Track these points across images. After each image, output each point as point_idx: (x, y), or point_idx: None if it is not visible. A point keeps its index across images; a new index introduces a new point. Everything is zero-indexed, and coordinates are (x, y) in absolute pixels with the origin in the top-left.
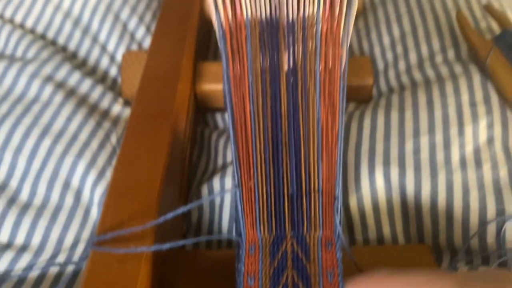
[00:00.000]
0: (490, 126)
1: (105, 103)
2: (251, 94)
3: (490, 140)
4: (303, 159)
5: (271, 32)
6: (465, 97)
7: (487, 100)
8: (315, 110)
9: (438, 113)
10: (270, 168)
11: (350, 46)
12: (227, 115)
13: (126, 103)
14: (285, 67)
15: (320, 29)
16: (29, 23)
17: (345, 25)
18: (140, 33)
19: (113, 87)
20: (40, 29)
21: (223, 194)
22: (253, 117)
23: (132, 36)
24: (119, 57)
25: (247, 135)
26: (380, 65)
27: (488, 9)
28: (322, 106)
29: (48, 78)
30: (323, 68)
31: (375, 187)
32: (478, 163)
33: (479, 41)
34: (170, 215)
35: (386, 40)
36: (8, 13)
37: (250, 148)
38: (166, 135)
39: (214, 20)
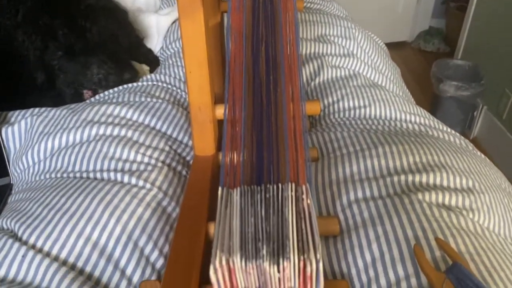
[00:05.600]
0: None
1: None
2: None
3: None
4: None
5: None
6: None
7: None
8: None
9: None
10: None
11: (331, 265)
12: None
13: None
14: None
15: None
16: (63, 255)
17: None
18: (154, 256)
19: None
20: (71, 259)
21: None
22: None
23: (147, 260)
24: (135, 279)
25: None
26: (357, 285)
27: (439, 243)
28: None
29: None
30: None
31: None
32: None
33: (434, 275)
34: None
35: (360, 263)
36: (47, 247)
37: None
38: None
39: None
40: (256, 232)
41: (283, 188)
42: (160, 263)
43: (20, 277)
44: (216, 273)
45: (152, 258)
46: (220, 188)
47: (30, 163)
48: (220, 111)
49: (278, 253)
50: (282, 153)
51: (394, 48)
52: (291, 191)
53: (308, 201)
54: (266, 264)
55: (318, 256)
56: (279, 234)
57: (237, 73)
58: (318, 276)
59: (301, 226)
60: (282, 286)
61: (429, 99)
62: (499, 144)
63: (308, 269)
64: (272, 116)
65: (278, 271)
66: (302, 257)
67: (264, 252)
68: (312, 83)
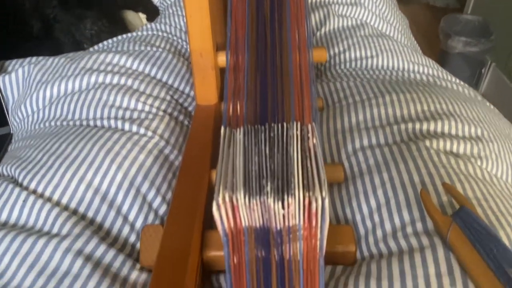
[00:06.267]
0: None
1: (124, 271)
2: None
3: None
4: None
5: (264, 236)
6: (431, 269)
7: (450, 272)
8: None
9: (409, 284)
10: None
11: (336, 212)
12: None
13: (142, 268)
14: (274, 263)
15: (301, 234)
16: (64, 200)
17: (321, 230)
18: (157, 202)
19: (132, 253)
20: (73, 205)
21: None
22: None
23: (150, 206)
24: (138, 225)
25: None
26: (362, 230)
27: (446, 188)
28: None
29: (79, 252)
30: (305, 266)
31: None
32: None
33: (440, 219)
34: None
35: (365, 209)
36: (48, 192)
37: None
38: None
39: (219, 228)
40: (260, 170)
41: (288, 127)
42: (163, 209)
43: (21, 221)
44: (219, 210)
45: (155, 204)
46: (222, 128)
47: (29, 112)
48: (222, 58)
49: (282, 190)
50: (287, 95)
51: (401, 3)
52: (296, 130)
53: (314, 141)
54: (270, 201)
55: (324, 193)
56: (283, 172)
57: (239, 10)
58: (323, 213)
59: (307, 164)
60: (286, 223)
61: (436, 55)
62: (506, 101)
63: (314, 206)
64: (276, 58)
65: (283, 208)
66: (307, 194)
67: (269, 188)
68: (318, 33)
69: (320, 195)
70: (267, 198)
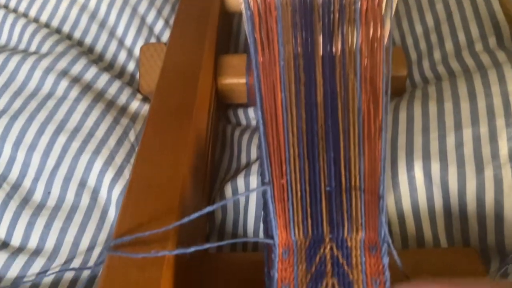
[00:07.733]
0: None
1: (122, 99)
2: (282, 81)
3: None
4: (342, 153)
5: (305, 12)
6: (511, 86)
7: None
8: (355, 98)
9: (481, 104)
10: (304, 163)
11: None
12: (255, 108)
13: (145, 99)
14: (321, 50)
15: (359, 7)
16: (43, 18)
17: (387, 3)
18: (159, 26)
19: (131, 82)
20: (55, 23)
21: (248, 193)
22: (285, 106)
23: (151, 30)
24: (136, 51)
25: (278, 127)
26: (413, 55)
27: None
28: (363, 94)
29: (64, 73)
30: (363, 52)
31: (414, 184)
32: None
33: None
34: (194, 215)
35: (418, 29)
36: (22, 8)
37: (282, 141)
38: (188, 131)
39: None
40: None
41: None
42: (167, 35)
43: None
44: None
45: (157, 29)
46: None
47: None
48: None
49: None
50: None
51: None
52: None
53: None
54: None
55: None
56: None
57: None
58: None
59: None
60: None
61: None
62: None
63: None
64: None
65: None
66: None
67: None
68: None
69: None
70: None
